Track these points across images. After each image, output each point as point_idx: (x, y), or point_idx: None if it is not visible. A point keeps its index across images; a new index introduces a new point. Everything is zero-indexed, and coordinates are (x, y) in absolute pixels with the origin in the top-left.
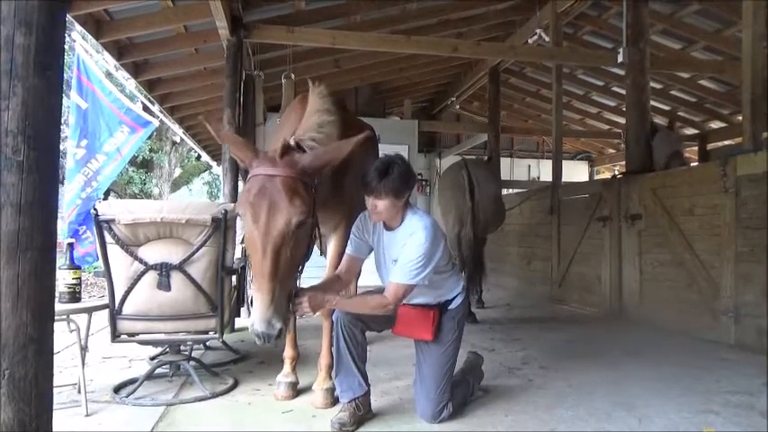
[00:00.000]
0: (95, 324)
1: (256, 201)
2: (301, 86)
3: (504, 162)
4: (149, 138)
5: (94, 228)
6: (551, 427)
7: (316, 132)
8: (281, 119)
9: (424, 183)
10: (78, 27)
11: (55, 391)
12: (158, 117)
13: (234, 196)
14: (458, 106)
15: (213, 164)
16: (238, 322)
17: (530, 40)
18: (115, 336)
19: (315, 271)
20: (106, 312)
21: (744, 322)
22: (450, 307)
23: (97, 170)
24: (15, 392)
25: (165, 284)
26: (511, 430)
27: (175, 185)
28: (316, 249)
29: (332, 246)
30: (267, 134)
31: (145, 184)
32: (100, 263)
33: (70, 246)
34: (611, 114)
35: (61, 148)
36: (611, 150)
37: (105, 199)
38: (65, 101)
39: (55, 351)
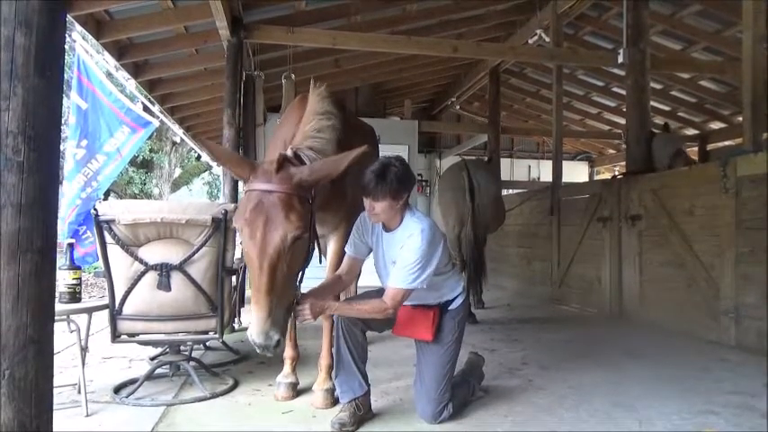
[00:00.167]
0: (95, 324)
1: (252, 217)
2: (301, 87)
3: (505, 162)
4: (149, 138)
5: (95, 228)
6: (552, 427)
7: (313, 140)
8: (281, 119)
9: (424, 183)
10: (78, 27)
11: (55, 391)
12: (158, 117)
13: (234, 197)
14: (458, 107)
15: (213, 164)
16: (237, 323)
17: (530, 41)
18: (115, 336)
19: (317, 271)
20: (106, 313)
21: (744, 323)
22: (450, 307)
23: (97, 170)
24: (15, 393)
25: (165, 285)
26: (511, 431)
27: (175, 186)
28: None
29: (332, 246)
30: (267, 134)
31: (145, 184)
32: (100, 263)
33: (70, 246)
34: (612, 115)
35: (61, 148)
36: (612, 151)
37: (105, 199)
38: (65, 101)
39: (55, 351)
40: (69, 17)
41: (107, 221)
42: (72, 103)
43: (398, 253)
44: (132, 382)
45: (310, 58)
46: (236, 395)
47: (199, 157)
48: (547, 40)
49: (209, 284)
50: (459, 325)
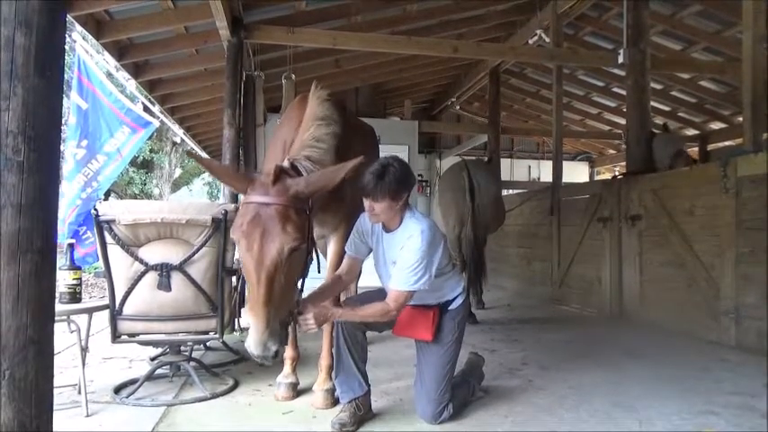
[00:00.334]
0: (96, 325)
1: (249, 229)
2: (302, 87)
3: (505, 163)
4: (150, 138)
5: (95, 228)
6: (552, 427)
7: (311, 150)
8: (281, 119)
9: (424, 184)
10: (79, 27)
11: (55, 391)
12: (159, 118)
13: (234, 197)
14: (458, 107)
15: None
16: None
17: (530, 41)
18: (115, 336)
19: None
20: (106, 313)
21: (744, 323)
22: (450, 307)
23: (97, 170)
24: (15, 393)
25: (165, 285)
26: (511, 431)
27: (176, 186)
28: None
29: (332, 247)
30: (267, 134)
31: (145, 184)
32: (100, 263)
33: (70, 246)
34: (612, 115)
35: (61, 148)
36: (612, 151)
37: (106, 199)
38: (65, 101)
39: (55, 352)
40: (69, 17)
41: (107, 221)
42: (72, 103)
43: (399, 254)
44: (132, 382)
45: (310, 58)
46: (237, 395)
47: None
48: (547, 40)
49: (210, 285)
50: (459, 325)
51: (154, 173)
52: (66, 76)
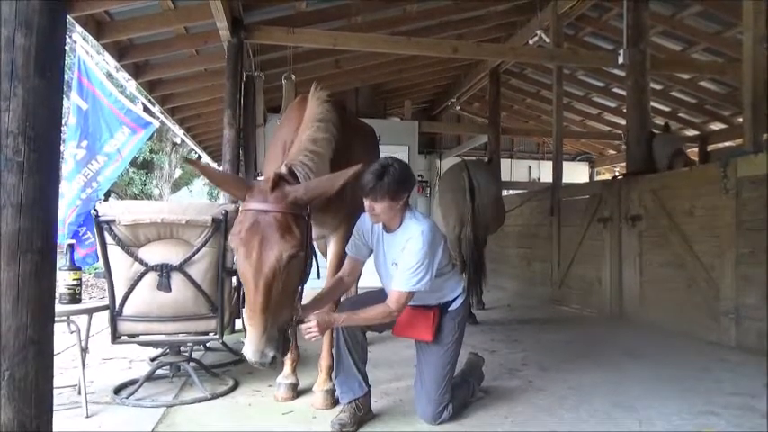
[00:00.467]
0: (96, 325)
1: (248, 237)
2: (302, 87)
3: (505, 163)
4: (150, 139)
5: (95, 229)
6: (552, 428)
7: (309, 155)
8: (281, 120)
9: (424, 184)
10: (79, 28)
11: (55, 392)
12: (159, 118)
13: None
14: (458, 107)
15: (214, 165)
16: (238, 323)
17: (530, 42)
18: (115, 337)
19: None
20: (106, 313)
21: (744, 324)
22: (450, 308)
23: (97, 171)
24: (15, 393)
25: (165, 285)
26: (511, 431)
27: (176, 186)
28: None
29: (332, 248)
30: (267, 135)
31: (145, 185)
32: (100, 264)
33: (71, 247)
34: (612, 115)
35: (61, 149)
36: (612, 151)
37: (106, 200)
38: (65, 102)
39: (55, 352)
40: (70, 18)
41: (107, 222)
42: (72, 103)
43: (400, 255)
44: (132, 382)
45: (311, 58)
46: (237, 396)
47: (199, 158)
48: (547, 40)
49: (210, 285)
50: (459, 325)
51: (154, 173)
52: (66, 76)
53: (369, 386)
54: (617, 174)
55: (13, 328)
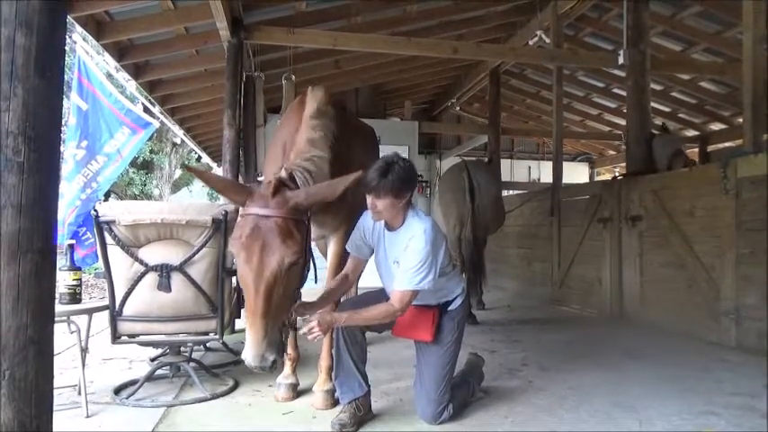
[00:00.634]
0: (96, 325)
1: (249, 241)
2: (302, 88)
3: (505, 163)
4: (150, 139)
5: (95, 229)
6: (552, 428)
7: (309, 157)
8: (281, 120)
9: (424, 184)
10: (79, 28)
11: (55, 392)
12: (159, 118)
13: None
14: (458, 108)
15: (213, 165)
16: (239, 324)
17: (530, 42)
18: (115, 337)
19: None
20: (106, 314)
21: (744, 324)
22: (450, 308)
23: (97, 171)
24: (15, 393)
25: (165, 286)
26: (511, 431)
27: (176, 187)
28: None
29: (332, 248)
30: (268, 135)
31: (145, 185)
32: (100, 264)
33: (71, 247)
34: (612, 116)
35: (61, 149)
36: (612, 152)
37: (106, 200)
38: (65, 102)
39: (55, 352)
40: (70, 18)
41: (107, 222)
42: (72, 103)
43: (402, 254)
44: (132, 383)
45: (311, 59)
46: (237, 396)
47: (199, 158)
48: (547, 41)
49: (210, 285)
50: (458, 325)
51: (154, 174)
52: (66, 76)
53: (369, 386)
54: (617, 174)
55: (13, 328)
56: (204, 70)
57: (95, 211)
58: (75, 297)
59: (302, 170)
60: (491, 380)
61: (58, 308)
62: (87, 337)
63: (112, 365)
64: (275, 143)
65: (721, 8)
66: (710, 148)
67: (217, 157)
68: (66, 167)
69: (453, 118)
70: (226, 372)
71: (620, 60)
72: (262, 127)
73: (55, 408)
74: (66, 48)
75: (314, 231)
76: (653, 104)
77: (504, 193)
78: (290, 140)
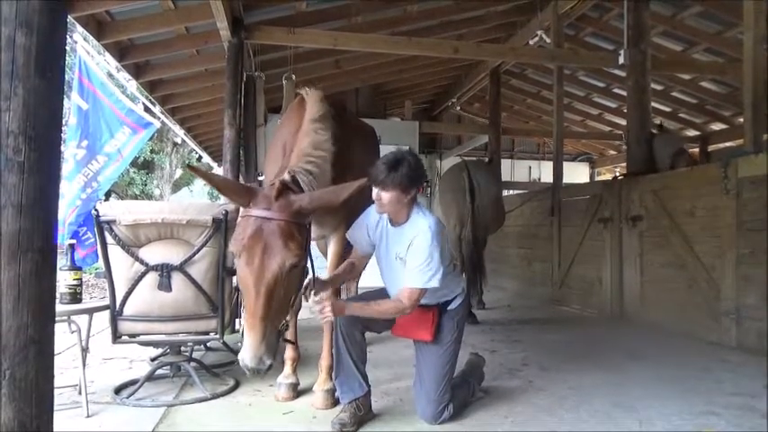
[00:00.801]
0: (96, 325)
1: (251, 243)
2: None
3: (505, 163)
4: (150, 139)
5: (95, 229)
6: (552, 428)
7: (310, 158)
8: (282, 120)
9: (425, 184)
10: (80, 28)
11: (56, 392)
12: (159, 118)
13: None
14: (458, 107)
15: (214, 165)
16: (239, 323)
17: (531, 42)
18: (116, 337)
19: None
20: (107, 313)
21: (745, 324)
22: (449, 307)
23: (98, 171)
24: (16, 393)
25: (165, 285)
26: (511, 431)
27: (176, 186)
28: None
29: (332, 248)
30: (268, 135)
31: (146, 185)
32: (100, 264)
33: (71, 247)
34: (612, 116)
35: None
36: (612, 152)
37: (106, 200)
38: (66, 102)
39: (56, 352)
40: (70, 18)
41: (108, 222)
42: (73, 103)
43: (407, 251)
44: (133, 382)
45: (311, 58)
46: (237, 396)
47: (200, 158)
48: (547, 41)
49: (210, 285)
50: (458, 325)
51: (155, 173)
52: (66, 76)
53: (369, 386)
54: (617, 174)
55: (13, 328)
56: (205, 70)
57: (96, 210)
58: (75, 297)
59: (304, 172)
60: (491, 380)
61: (59, 307)
62: (88, 336)
63: (113, 365)
64: (275, 143)
65: (722, 8)
66: (711, 147)
67: (217, 156)
68: (67, 167)
69: (454, 118)
70: (226, 371)
71: (621, 60)
72: (262, 127)
73: (55, 407)
74: (67, 47)
75: (313, 231)
76: (653, 104)
77: (505, 192)
78: (290, 141)
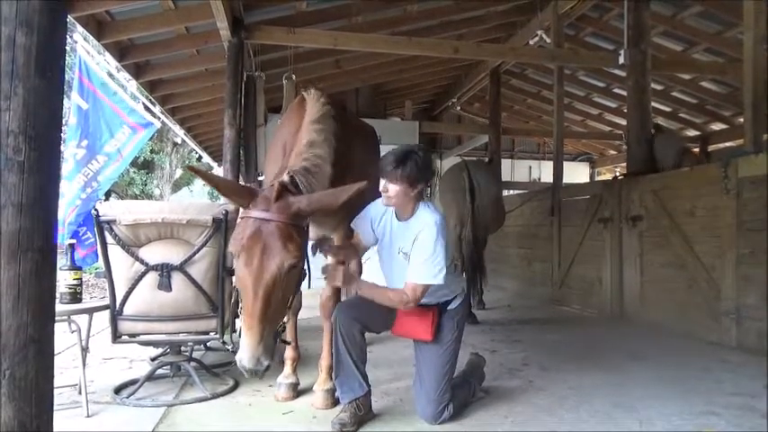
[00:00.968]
0: (96, 325)
1: (249, 244)
2: (302, 87)
3: (505, 163)
4: (150, 139)
5: (95, 228)
6: (552, 428)
7: (309, 159)
8: (282, 120)
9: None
10: (80, 28)
11: (56, 391)
12: (159, 118)
13: None
14: (459, 107)
15: (214, 165)
16: (239, 323)
17: (531, 42)
18: (116, 336)
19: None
20: (107, 313)
21: (745, 324)
22: (449, 307)
23: (97, 171)
24: (16, 392)
25: (165, 285)
26: (511, 431)
27: (176, 186)
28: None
29: None
30: (268, 135)
31: (146, 185)
32: (100, 263)
33: (71, 247)
34: (613, 116)
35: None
36: (612, 152)
37: (106, 200)
38: (66, 102)
39: (56, 352)
40: (70, 18)
41: (108, 222)
42: (73, 103)
43: (413, 246)
44: (133, 382)
45: (311, 58)
46: (237, 396)
47: (200, 158)
48: (548, 40)
49: (210, 285)
50: (458, 325)
51: (155, 173)
52: (67, 76)
53: (369, 386)
54: (617, 174)
55: (13, 327)
56: (205, 70)
57: (96, 210)
58: (75, 296)
59: (303, 172)
60: (491, 379)
61: (59, 307)
62: (88, 336)
63: (113, 365)
64: (275, 143)
65: (722, 8)
66: (711, 147)
67: (217, 156)
68: (67, 167)
69: (454, 118)
70: (226, 371)
71: (621, 60)
72: (262, 126)
73: (55, 407)
74: (67, 47)
75: (313, 232)
76: (654, 104)
77: (505, 192)
78: (290, 141)
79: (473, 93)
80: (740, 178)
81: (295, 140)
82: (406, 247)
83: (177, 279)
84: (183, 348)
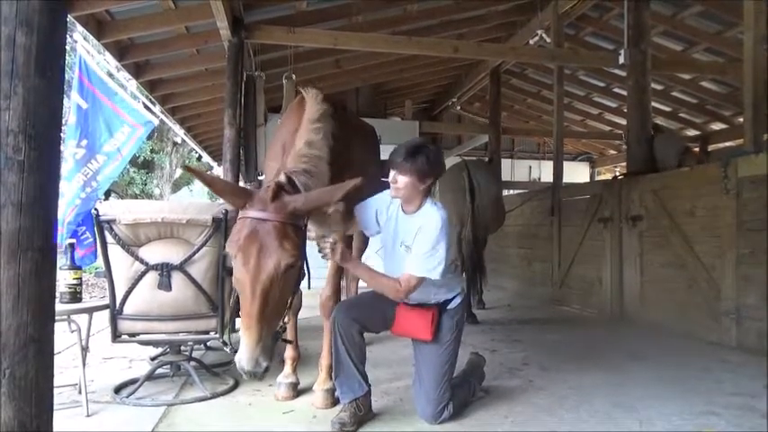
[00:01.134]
0: (96, 324)
1: (246, 244)
2: (302, 87)
3: (505, 163)
4: (150, 138)
5: (95, 228)
6: (552, 427)
7: (307, 159)
8: (281, 120)
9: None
10: (80, 28)
11: (56, 391)
12: (159, 118)
13: None
14: (459, 107)
15: (214, 164)
16: (239, 323)
17: (531, 41)
18: (116, 336)
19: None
20: (107, 313)
21: (745, 324)
22: (449, 307)
23: (97, 170)
24: (16, 392)
25: (165, 285)
26: (511, 431)
27: (176, 186)
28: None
29: None
30: (268, 134)
31: (146, 184)
32: (100, 263)
33: (71, 246)
34: (613, 115)
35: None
36: (612, 151)
37: (106, 199)
38: (65, 101)
39: (56, 351)
40: (70, 17)
41: (108, 221)
42: (72, 102)
43: (414, 239)
44: (133, 382)
45: (311, 58)
46: (237, 395)
47: (200, 158)
48: (548, 40)
49: (210, 284)
50: (457, 324)
51: (154, 173)
52: (66, 75)
53: (369, 386)
54: (617, 174)
55: (13, 327)
56: (205, 69)
57: (96, 210)
58: (75, 296)
59: (301, 172)
60: (491, 379)
61: (59, 307)
62: (88, 335)
63: (113, 364)
64: (275, 143)
65: (722, 8)
66: (711, 147)
67: (217, 156)
68: (66, 166)
69: (454, 117)
70: (226, 371)
71: (621, 60)
72: (262, 126)
73: (55, 407)
74: (67, 47)
75: (313, 231)
76: (654, 104)
77: (505, 192)
78: (289, 140)
79: (473, 92)
80: (740, 178)
81: (294, 140)
82: (408, 240)
83: (177, 278)
84: (182, 348)
